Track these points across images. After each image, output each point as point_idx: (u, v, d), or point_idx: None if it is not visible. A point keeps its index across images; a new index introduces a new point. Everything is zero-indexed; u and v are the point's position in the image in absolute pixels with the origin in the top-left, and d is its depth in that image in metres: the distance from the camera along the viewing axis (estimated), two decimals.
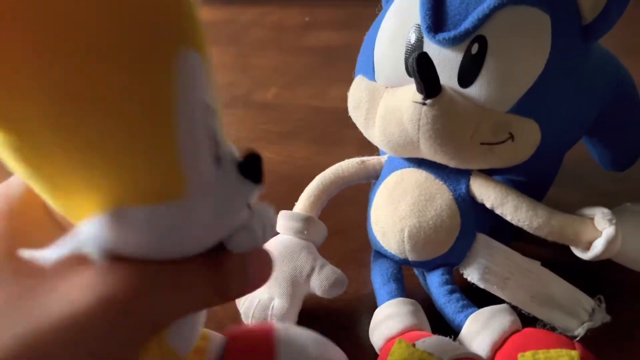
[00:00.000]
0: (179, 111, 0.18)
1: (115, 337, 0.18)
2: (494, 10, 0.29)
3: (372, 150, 0.38)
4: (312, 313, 0.36)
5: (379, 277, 0.34)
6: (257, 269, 0.22)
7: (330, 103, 0.62)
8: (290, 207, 0.36)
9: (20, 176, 0.18)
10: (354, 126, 0.35)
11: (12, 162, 0.17)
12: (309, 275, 0.33)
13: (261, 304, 0.32)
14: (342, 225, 0.42)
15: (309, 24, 0.84)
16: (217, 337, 0.26)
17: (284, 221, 0.35)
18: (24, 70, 0.15)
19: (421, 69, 0.28)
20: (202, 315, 0.24)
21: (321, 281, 0.32)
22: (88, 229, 0.17)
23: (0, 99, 0.16)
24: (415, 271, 0.37)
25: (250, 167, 0.21)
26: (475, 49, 0.29)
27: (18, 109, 0.16)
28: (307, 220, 0.35)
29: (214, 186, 0.20)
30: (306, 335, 0.27)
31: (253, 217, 0.22)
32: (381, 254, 0.35)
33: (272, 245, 0.34)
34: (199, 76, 0.18)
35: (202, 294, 0.20)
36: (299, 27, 0.84)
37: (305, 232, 0.35)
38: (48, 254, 0.17)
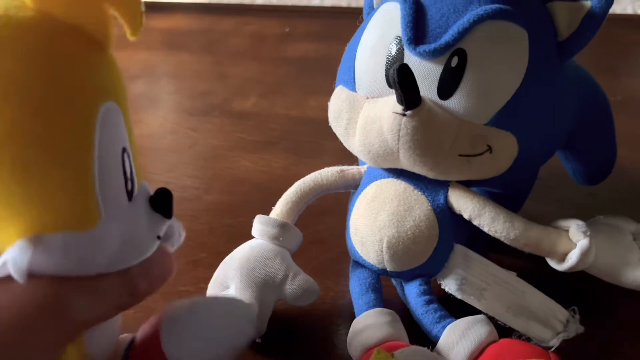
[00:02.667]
0: (97, 155, 0.21)
1: (37, 338, 0.21)
2: (473, 24, 0.29)
3: (350, 161, 0.38)
4: (289, 322, 0.35)
5: (357, 287, 0.34)
6: (160, 268, 0.25)
7: (308, 113, 0.62)
8: (266, 215, 0.36)
9: None
10: (331, 137, 0.35)
11: None
12: (281, 282, 0.32)
13: None
14: (320, 235, 0.42)
15: (286, 35, 0.84)
16: (126, 339, 0.28)
17: (260, 225, 0.35)
18: None
19: (402, 80, 0.28)
20: (117, 322, 0.27)
21: (293, 289, 0.32)
22: (9, 253, 0.20)
23: None
24: (393, 281, 0.37)
25: (160, 202, 0.25)
26: (455, 61, 0.29)
27: None
28: (282, 227, 0.35)
29: (124, 218, 0.23)
30: (193, 308, 0.28)
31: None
32: (360, 264, 0.35)
33: (246, 249, 0.34)
34: (116, 124, 0.22)
35: (115, 295, 0.23)
36: (276, 37, 0.84)
37: (281, 238, 0.34)
38: None
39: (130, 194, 0.23)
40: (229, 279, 0.33)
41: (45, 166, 0.20)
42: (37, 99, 0.20)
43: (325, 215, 0.42)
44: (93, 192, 0.21)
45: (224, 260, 0.35)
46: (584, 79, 0.35)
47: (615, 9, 0.72)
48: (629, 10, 0.83)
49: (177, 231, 0.27)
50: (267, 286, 0.32)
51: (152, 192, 0.25)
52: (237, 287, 0.33)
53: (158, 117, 0.63)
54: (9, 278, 0.20)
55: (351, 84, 0.34)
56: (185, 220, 0.44)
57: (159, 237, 0.25)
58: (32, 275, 0.21)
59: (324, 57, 0.75)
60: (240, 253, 0.34)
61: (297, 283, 0.32)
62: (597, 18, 0.30)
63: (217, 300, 0.30)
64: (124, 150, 0.23)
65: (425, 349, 0.29)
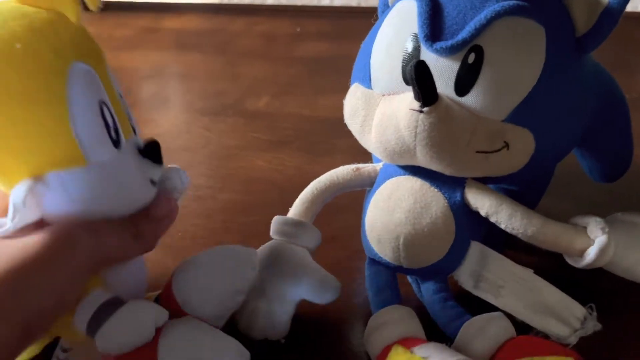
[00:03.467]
0: (71, 104, 0.25)
1: (56, 273, 0.25)
2: (490, 21, 0.29)
3: (363, 159, 0.38)
4: (305, 321, 0.36)
5: (374, 285, 0.34)
6: (161, 210, 0.29)
7: (320, 113, 0.62)
8: (281, 213, 0.37)
9: None
10: (344, 136, 0.35)
11: None
12: (301, 281, 0.32)
13: (253, 310, 0.33)
14: (336, 233, 0.42)
15: (297, 35, 0.84)
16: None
17: (278, 226, 0.35)
18: None
19: (419, 77, 0.28)
20: (142, 270, 0.31)
21: (314, 287, 0.32)
22: (16, 190, 0.25)
23: None
24: (409, 279, 0.37)
25: (148, 150, 0.29)
26: (472, 58, 0.29)
27: None
28: (300, 226, 0.35)
29: (112, 163, 0.27)
30: (198, 257, 0.31)
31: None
32: (376, 262, 0.35)
33: (266, 250, 0.34)
34: (89, 81, 0.26)
35: (120, 236, 0.27)
36: (288, 37, 0.84)
37: (299, 237, 0.35)
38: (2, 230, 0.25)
39: (116, 143, 0.27)
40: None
41: (28, 118, 0.25)
42: (9, 55, 0.24)
43: (341, 214, 0.42)
44: (71, 135, 0.25)
45: None
46: (601, 75, 0.35)
47: (629, 6, 0.72)
48: None
49: (180, 178, 0.31)
50: (286, 284, 0.33)
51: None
52: (256, 290, 0.33)
53: (170, 117, 0.63)
54: (27, 227, 0.26)
55: (367, 82, 0.34)
56: (201, 218, 0.45)
57: (153, 182, 0.29)
58: (46, 223, 0.26)
59: (335, 57, 0.75)
60: (260, 255, 0.34)
61: (317, 280, 0.32)
62: (615, 13, 0.30)
63: (219, 248, 0.32)
64: (103, 103, 0.27)
65: (444, 345, 0.29)
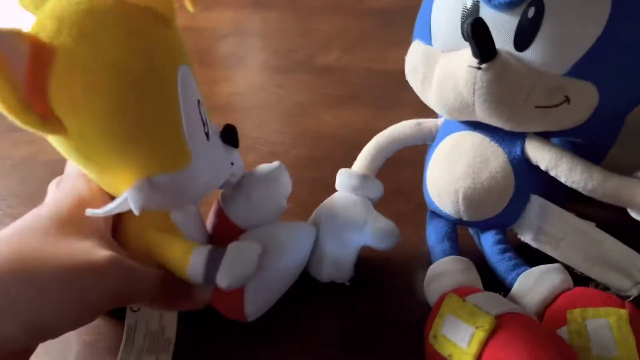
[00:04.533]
0: (182, 107, 0.27)
1: (81, 294, 0.26)
2: None
3: (430, 113, 0.38)
4: (373, 268, 0.38)
5: (434, 236, 0.36)
6: (201, 298, 0.31)
7: (389, 66, 0.62)
8: (347, 167, 0.38)
9: (78, 165, 0.28)
10: (411, 89, 0.36)
11: (73, 156, 0.27)
12: (362, 226, 0.35)
13: (321, 254, 0.35)
14: (399, 186, 0.43)
15: None
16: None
17: (342, 179, 0.37)
18: (83, 104, 0.25)
19: (476, 34, 0.28)
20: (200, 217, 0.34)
21: (374, 231, 0.34)
22: (129, 192, 0.27)
23: (70, 121, 0.25)
24: (470, 230, 0.38)
25: (228, 136, 0.32)
26: (531, 12, 0.29)
27: (82, 126, 0.25)
28: (363, 178, 0.37)
29: (207, 154, 0.30)
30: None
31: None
32: (436, 214, 0.36)
33: (331, 200, 0.37)
34: (190, 81, 0.28)
35: (150, 286, 0.29)
36: None
37: (362, 189, 0.36)
38: (101, 210, 0.27)
39: (207, 135, 0.30)
40: (317, 229, 0.36)
41: (146, 126, 0.26)
42: (134, 74, 0.25)
43: (404, 168, 0.43)
44: (184, 139, 0.28)
45: (312, 215, 0.37)
46: None
47: None
48: None
49: (238, 163, 0.34)
50: (349, 231, 0.35)
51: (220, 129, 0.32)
52: (323, 236, 0.35)
53: (247, 75, 0.66)
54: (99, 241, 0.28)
55: (427, 38, 0.34)
56: None
57: (232, 164, 0.33)
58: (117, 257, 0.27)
59: (406, 8, 0.74)
60: (325, 204, 0.37)
61: (377, 226, 0.34)
62: None
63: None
64: (198, 101, 0.29)
65: (498, 294, 0.30)
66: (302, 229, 0.35)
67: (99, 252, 0.27)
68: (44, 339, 0.26)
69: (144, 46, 0.25)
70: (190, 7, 0.29)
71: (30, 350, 0.27)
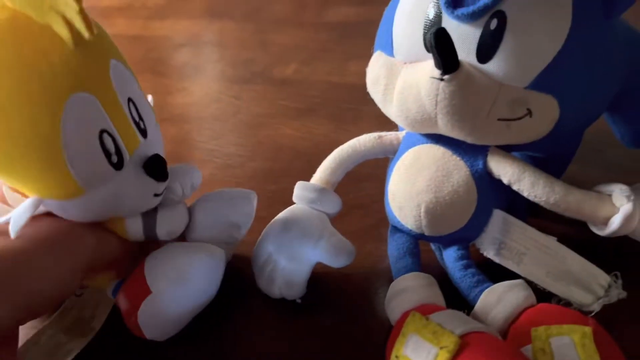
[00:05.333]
0: (66, 142, 0.25)
1: (62, 261, 0.27)
2: None
3: (391, 127, 0.38)
4: (330, 285, 0.37)
5: (395, 251, 0.35)
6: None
7: (349, 79, 0.62)
8: (307, 180, 0.37)
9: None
10: (371, 102, 0.35)
11: None
12: (316, 242, 0.33)
13: (272, 269, 0.34)
14: (360, 200, 0.43)
15: (328, 0, 0.83)
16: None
17: (299, 191, 0.36)
18: None
19: (439, 44, 0.28)
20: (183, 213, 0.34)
21: (328, 248, 0.33)
22: (16, 209, 0.26)
23: None
24: (432, 246, 0.37)
25: (152, 168, 0.29)
26: (494, 24, 0.29)
27: None
28: (321, 192, 0.36)
29: (114, 183, 0.28)
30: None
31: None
32: (398, 229, 0.36)
33: (286, 213, 0.35)
34: (89, 111, 0.25)
35: (122, 242, 0.32)
36: (318, 2, 0.83)
37: (319, 202, 0.35)
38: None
39: (118, 165, 0.27)
40: (270, 242, 0.35)
41: (22, 156, 0.25)
42: (4, 100, 0.23)
43: (365, 181, 0.42)
44: (67, 171, 0.26)
45: (265, 228, 0.36)
46: (632, 37, 0.33)
47: None
48: None
49: (189, 183, 0.33)
50: (303, 246, 0.33)
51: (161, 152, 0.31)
52: (275, 250, 0.34)
53: (202, 86, 0.64)
54: (39, 216, 0.28)
55: (389, 49, 0.33)
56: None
57: (157, 195, 0.31)
58: (53, 215, 0.28)
59: (365, 21, 0.74)
60: (280, 216, 0.36)
61: (332, 243, 0.33)
62: None
63: (224, 189, 0.36)
64: (104, 131, 0.26)
65: (461, 312, 0.30)
66: (206, 256, 0.33)
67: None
68: (31, 314, 0.27)
69: (20, 71, 0.24)
70: (85, 34, 0.25)
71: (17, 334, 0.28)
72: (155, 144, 0.31)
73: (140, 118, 0.29)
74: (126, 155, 0.28)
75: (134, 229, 0.32)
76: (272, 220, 0.36)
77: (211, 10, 0.83)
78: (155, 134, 0.31)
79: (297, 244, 0.34)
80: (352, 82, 0.61)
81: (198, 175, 0.34)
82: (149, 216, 0.32)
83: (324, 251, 0.33)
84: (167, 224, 0.32)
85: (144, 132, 0.29)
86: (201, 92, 0.62)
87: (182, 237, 0.34)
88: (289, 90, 0.61)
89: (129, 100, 0.28)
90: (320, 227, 0.34)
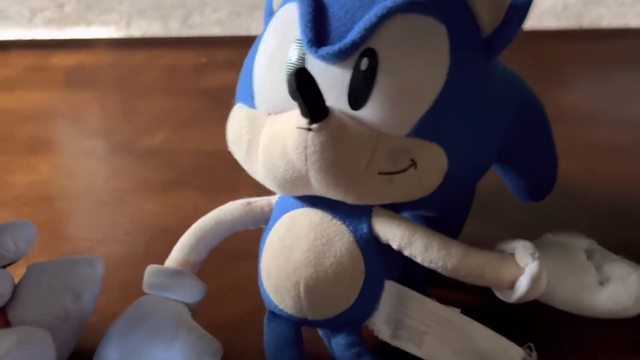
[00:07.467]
0: None
1: None
2: (382, 19, 0.25)
3: (271, 194, 0.33)
4: None
5: (273, 344, 0.30)
6: None
7: (223, 145, 0.58)
8: None
9: None
10: None
11: None
12: (171, 342, 0.28)
13: None
14: (235, 283, 0.38)
15: (203, 66, 0.81)
16: None
17: (149, 277, 0.31)
18: None
19: (302, 88, 0.24)
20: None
21: (188, 351, 0.28)
22: None
23: None
24: (320, 332, 0.32)
25: None
26: (364, 64, 0.26)
27: None
28: (175, 275, 0.31)
29: None
30: None
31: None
32: (277, 315, 0.30)
33: (133, 307, 0.30)
34: None
35: None
36: (193, 68, 0.81)
37: (174, 290, 0.30)
38: None
39: None
40: (112, 346, 0.29)
41: None
42: None
43: (242, 260, 0.37)
44: None
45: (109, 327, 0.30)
46: (518, 84, 0.32)
47: (537, 22, 0.73)
48: (553, 25, 0.85)
49: (25, 236, 0.31)
50: (153, 348, 0.28)
51: None
52: (119, 356, 0.28)
53: (50, 162, 0.59)
54: None
55: (250, 100, 0.30)
56: None
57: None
58: None
59: None
60: (126, 313, 0.30)
61: (190, 343, 0.28)
62: (522, 9, 0.27)
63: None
64: None
65: None
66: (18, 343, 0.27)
67: None
68: None
69: None
70: None
71: None
72: None
73: None
74: None
75: None
76: (118, 318, 0.30)
77: (70, 82, 0.79)
78: None
79: (146, 346, 0.28)
80: (227, 149, 0.57)
81: (33, 229, 0.31)
82: None
83: (180, 354, 0.27)
84: None
85: None
86: (48, 168, 0.57)
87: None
88: (155, 161, 0.57)
89: None
90: (175, 322, 0.28)
